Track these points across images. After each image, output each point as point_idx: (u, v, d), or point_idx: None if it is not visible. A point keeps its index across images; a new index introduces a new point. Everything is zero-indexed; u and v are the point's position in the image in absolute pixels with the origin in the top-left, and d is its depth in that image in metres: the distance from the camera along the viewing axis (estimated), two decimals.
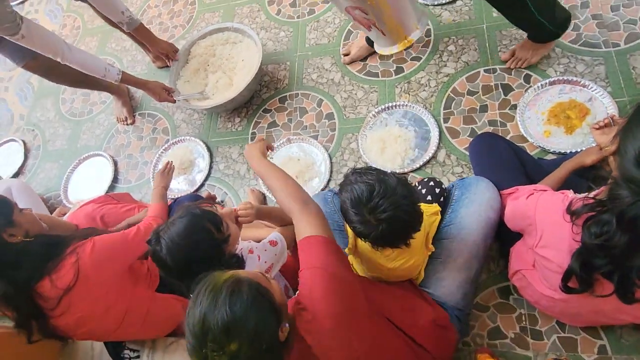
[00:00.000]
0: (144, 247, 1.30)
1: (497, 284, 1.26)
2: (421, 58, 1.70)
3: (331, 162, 1.64)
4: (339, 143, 1.67)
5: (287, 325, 0.75)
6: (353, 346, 0.79)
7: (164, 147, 1.93)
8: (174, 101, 1.83)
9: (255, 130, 1.83)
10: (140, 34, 1.83)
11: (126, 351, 1.55)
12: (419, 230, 0.94)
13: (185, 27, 2.26)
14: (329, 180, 1.60)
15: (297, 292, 0.85)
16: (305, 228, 0.87)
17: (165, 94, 1.80)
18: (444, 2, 1.77)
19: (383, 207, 0.88)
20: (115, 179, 1.97)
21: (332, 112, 1.74)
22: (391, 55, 1.73)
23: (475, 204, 1.15)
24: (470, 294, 1.15)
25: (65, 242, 1.10)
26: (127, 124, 2.10)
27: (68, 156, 2.13)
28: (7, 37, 1.44)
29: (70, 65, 1.57)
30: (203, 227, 0.95)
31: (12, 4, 2.70)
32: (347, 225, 1.03)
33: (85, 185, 2.01)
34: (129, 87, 2.12)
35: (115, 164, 2.01)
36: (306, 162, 1.67)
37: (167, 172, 1.55)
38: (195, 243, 0.92)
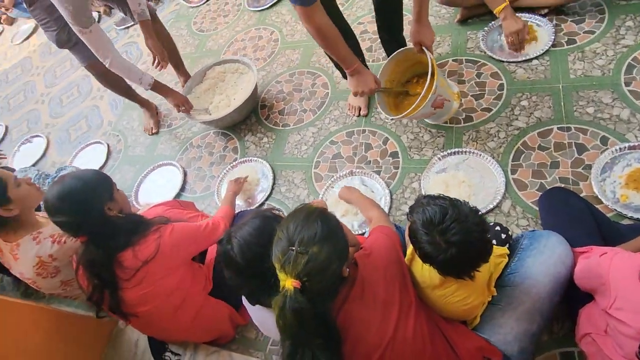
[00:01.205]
0: (210, 242, 1.40)
1: (561, 347, 1.19)
2: (492, 110, 1.73)
3: (391, 198, 1.66)
4: (401, 181, 1.70)
5: (347, 270, 0.91)
6: (391, 291, 0.97)
7: (231, 165, 2.05)
8: (188, 112, 2.10)
9: (319, 159, 1.91)
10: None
11: (168, 353, 1.60)
12: (487, 262, 0.93)
13: (267, 61, 2.46)
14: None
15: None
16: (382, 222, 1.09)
17: (183, 100, 2.07)
18: (519, 60, 1.81)
19: (454, 230, 0.89)
20: (182, 188, 2.11)
21: (397, 151, 1.78)
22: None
23: (545, 256, 1.12)
24: (528, 350, 1.09)
25: (149, 223, 1.23)
26: (152, 134, 2.43)
27: (144, 162, 2.32)
28: (77, 29, 1.69)
29: (113, 70, 1.85)
30: (274, 228, 1.01)
31: (119, 28, 3.10)
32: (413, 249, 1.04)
33: (155, 190, 2.16)
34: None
35: (185, 174, 2.16)
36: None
37: (241, 181, 1.66)
38: (266, 242, 0.97)
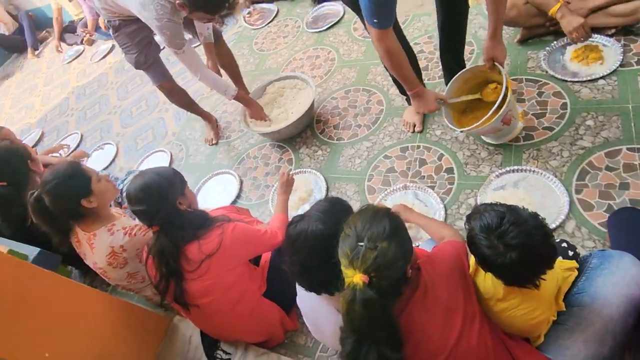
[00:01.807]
0: (266, 248, 1.45)
1: None
2: (554, 129, 1.69)
3: (446, 213, 1.65)
4: (456, 196, 1.69)
5: (410, 271, 0.92)
6: (454, 297, 0.97)
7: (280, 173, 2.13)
8: (266, 119, 2.24)
9: (373, 173, 1.94)
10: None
11: (219, 352, 1.65)
12: (552, 267, 0.90)
13: (323, 78, 2.56)
14: None
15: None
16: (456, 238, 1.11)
17: (262, 114, 2.24)
18: (583, 79, 1.77)
19: (513, 234, 0.88)
20: (238, 196, 2.21)
21: (452, 167, 1.78)
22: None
23: (617, 277, 1.06)
24: None
25: (213, 219, 1.32)
26: (212, 144, 2.57)
27: (203, 170, 2.46)
28: (173, 50, 1.89)
29: (203, 82, 2.05)
30: (347, 207, 1.08)
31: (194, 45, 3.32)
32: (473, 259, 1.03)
33: (212, 196, 2.28)
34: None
35: (241, 182, 2.26)
36: (419, 210, 1.70)
37: (288, 180, 1.69)
38: (342, 214, 1.00)
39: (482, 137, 1.76)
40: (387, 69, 1.73)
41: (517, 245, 0.88)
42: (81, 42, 4.74)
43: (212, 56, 2.31)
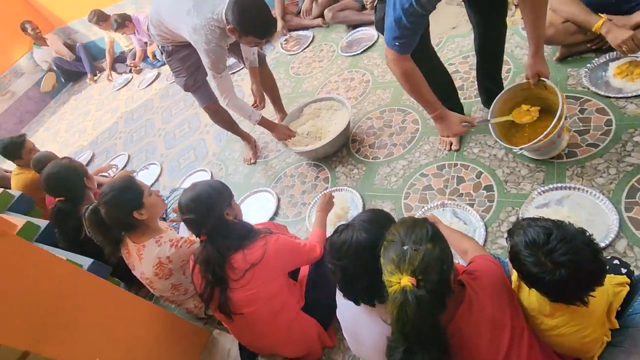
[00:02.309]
0: (306, 261, 1.49)
1: None
2: (599, 145, 1.65)
3: (486, 231, 1.62)
4: (496, 214, 1.66)
5: (454, 280, 0.93)
6: (501, 314, 0.96)
7: (322, 193, 2.17)
8: (294, 136, 2.32)
9: (409, 191, 1.94)
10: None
11: None
12: (602, 284, 0.87)
13: (358, 99, 2.62)
14: None
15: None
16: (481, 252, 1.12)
17: (287, 132, 2.31)
18: (628, 95, 1.72)
19: (562, 250, 0.86)
20: (276, 213, 2.26)
21: (492, 185, 1.76)
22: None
23: None
24: None
25: (257, 231, 1.38)
26: (251, 164, 2.67)
27: (242, 188, 2.54)
28: (212, 73, 2.02)
29: (229, 107, 2.18)
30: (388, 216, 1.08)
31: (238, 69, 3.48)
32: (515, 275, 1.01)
33: (251, 213, 2.34)
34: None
35: (279, 200, 2.32)
36: (458, 228, 1.68)
37: (329, 200, 1.75)
38: (386, 221, 1.04)
39: (525, 152, 1.73)
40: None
41: (566, 263, 0.86)
42: (130, 71, 5.10)
43: (256, 79, 2.44)
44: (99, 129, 4.46)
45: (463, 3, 1.76)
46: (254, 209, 2.37)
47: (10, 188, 2.74)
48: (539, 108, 1.64)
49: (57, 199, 2.06)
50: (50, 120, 5.56)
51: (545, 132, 1.50)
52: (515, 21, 2.36)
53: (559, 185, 1.59)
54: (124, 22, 4.46)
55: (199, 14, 1.82)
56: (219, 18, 1.80)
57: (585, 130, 1.72)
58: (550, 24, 1.90)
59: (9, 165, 3.68)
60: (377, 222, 1.04)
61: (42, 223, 2.14)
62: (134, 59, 5.00)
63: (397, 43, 1.40)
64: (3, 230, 1.09)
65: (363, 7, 3.27)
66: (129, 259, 1.70)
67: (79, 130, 4.77)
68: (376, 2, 1.70)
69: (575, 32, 1.89)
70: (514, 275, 1.06)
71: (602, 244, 1.38)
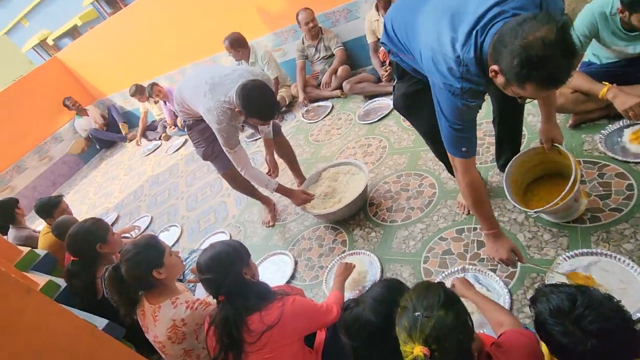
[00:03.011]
0: (324, 323, 1.45)
1: None
2: (623, 210, 1.62)
3: (511, 299, 1.55)
4: (520, 281, 1.59)
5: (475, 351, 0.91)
6: None
7: (340, 256, 2.15)
8: (312, 199, 2.36)
9: (428, 255, 1.91)
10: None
11: None
12: (638, 357, 0.81)
13: (375, 164, 2.69)
14: None
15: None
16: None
17: (304, 197, 2.36)
18: None
19: (590, 318, 0.81)
20: (293, 276, 2.23)
21: None
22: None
23: None
24: None
25: (274, 292, 1.36)
26: (269, 226, 2.69)
27: (259, 251, 2.55)
28: (226, 149, 2.17)
29: (246, 177, 2.26)
30: (401, 286, 1.05)
31: (249, 140, 3.71)
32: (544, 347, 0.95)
33: (267, 277, 2.31)
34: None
35: (296, 263, 2.30)
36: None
37: (351, 266, 1.74)
38: (397, 297, 0.98)
39: (544, 215, 1.71)
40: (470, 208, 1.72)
41: (596, 331, 0.81)
42: (159, 138, 5.44)
43: (269, 150, 2.58)
44: (126, 191, 4.65)
45: None
46: (271, 272, 2.35)
47: (37, 248, 2.83)
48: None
49: (72, 259, 2.12)
50: (81, 183, 5.85)
51: (560, 196, 1.50)
52: None
53: (586, 250, 1.54)
54: (153, 88, 4.88)
55: (213, 96, 2.03)
56: (230, 100, 2.00)
57: (607, 195, 1.70)
58: (560, 94, 1.97)
59: (38, 225, 3.83)
60: (389, 300, 1.01)
61: (63, 282, 2.18)
62: (165, 128, 5.36)
63: (463, 149, 1.37)
64: (29, 286, 1.12)
65: (379, 80, 3.48)
66: (143, 320, 1.68)
67: (106, 193, 4.98)
68: (395, 81, 1.82)
69: (586, 101, 1.96)
70: (544, 348, 1.00)
71: (638, 314, 1.29)
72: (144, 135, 5.67)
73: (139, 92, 5.23)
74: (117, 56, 5.80)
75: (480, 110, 1.33)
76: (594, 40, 1.86)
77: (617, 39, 1.79)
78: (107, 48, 5.78)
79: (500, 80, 1.13)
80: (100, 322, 1.72)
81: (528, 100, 1.23)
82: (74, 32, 14.50)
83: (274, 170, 2.62)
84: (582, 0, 2.49)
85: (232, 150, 2.19)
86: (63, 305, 1.81)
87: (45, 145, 6.19)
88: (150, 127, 5.71)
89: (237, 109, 1.99)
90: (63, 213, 2.95)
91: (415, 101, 1.66)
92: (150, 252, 1.57)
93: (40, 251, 2.66)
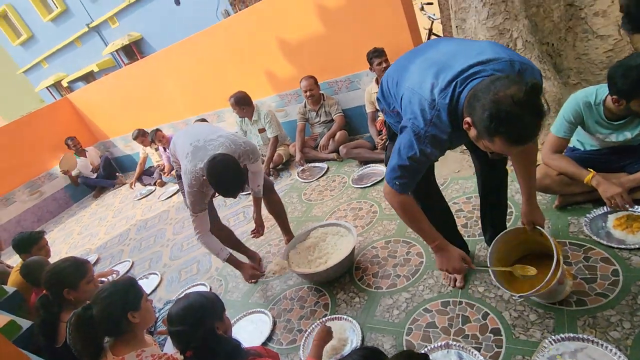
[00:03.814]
0: None
1: None
2: (608, 295, 1.60)
3: None
4: None
5: None
6: None
7: (320, 320, 2.07)
8: (261, 275, 2.51)
9: (412, 326, 1.84)
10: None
11: None
12: None
13: (365, 228, 2.69)
14: None
15: None
16: None
17: (252, 272, 2.50)
18: (631, 247, 1.74)
19: None
20: (269, 338, 2.12)
21: (499, 328, 1.66)
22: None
23: None
24: None
25: (246, 352, 1.29)
26: (251, 282, 2.63)
27: (238, 307, 2.45)
28: (190, 212, 2.30)
29: (200, 242, 2.38)
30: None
31: (242, 194, 3.73)
32: None
33: (243, 336, 2.19)
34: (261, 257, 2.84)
35: (274, 324, 2.20)
36: None
37: (328, 332, 1.65)
38: None
39: (531, 297, 1.68)
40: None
41: None
42: (154, 184, 5.46)
43: (257, 208, 2.62)
44: (111, 234, 4.56)
45: (466, 150, 1.95)
46: (248, 331, 2.23)
47: (6, 284, 2.70)
48: (534, 270, 1.64)
49: (43, 292, 2.01)
50: (67, 221, 5.75)
51: (544, 282, 1.48)
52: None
53: (572, 335, 1.49)
54: (156, 133, 4.99)
55: (191, 160, 2.14)
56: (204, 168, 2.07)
57: (592, 279, 1.69)
58: (546, 175, 2.04)
59: (14, 261, 3.69)
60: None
61: (26, 323, 2.05)
62: (160, 175, 5.41)
63: (397, 182, 1.45)
64: None
65: (374, 147, 3.60)
66: None
67: (91, 233, 4.88)
68: (387, 142, 1.90)
69: (571, 184, 2.02)
70: None
71: None
72: (139, 179, 5.69)
73: (141, 135, 5.38)
74: (125, 102, 6.02)
75: (469, 183, 1.38)
76: (579, 127, 1.97)
77: (601, 128, 1.90)
78: (116, 94, 6.02)
79: (472, 133, 1.19)
80: None
81: (508, 163, 1.28)
82: (88, 77, 15.17)
83: (258, 229, 2.64)
84: (568, 91, 2.69)
85: (194, 215, 2.28)
86: (21, 350, 1.70)
87: (38, 180, 6.18)
88: (147, 172, 5.76)
89: (203, 179, 2.07)
90: (41, 250, 2.87)
91: None
92: (129, 293, 1.50)
93: (9, 288, 2.54)
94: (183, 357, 1.35)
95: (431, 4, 5.48)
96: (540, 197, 2.24)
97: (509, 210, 2.25)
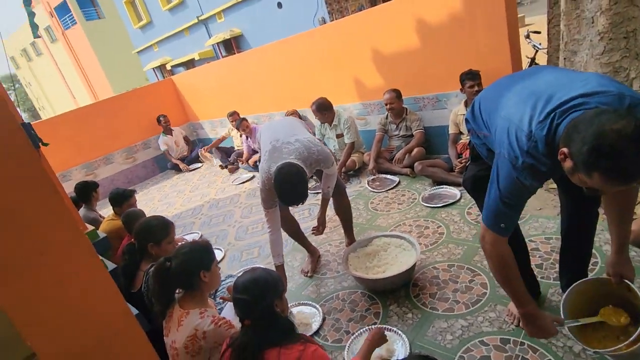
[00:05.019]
0: None
1: None
2: None
3: None
4: None
5: None
6: None
7: (369, 326, 2.07)
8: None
9: (464, 355, 1.77)
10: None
11: None
12: None
13: (428, 247, 2.63)
14: None
15: None
16: None
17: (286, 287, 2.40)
18: None
19: None
20: (317, 332, 2.17)
21: None
22: None
23: None
24: None
25: (299, 334, 1.34)
26: (307, 276, 2.71)
27: (291, 297, 2.53)
28: (263, 206, 2.39)
29: (268, 236, 2.44)
30: None
31: (311, 192, 3.74)
32: None
33: None
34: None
35: (323, 320, 2.24)
36: None
37: (383, 336, 1.64)
38: None
39: (606, 355, 1.53)
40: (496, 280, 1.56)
41: None
42: (226, 167, 5.83)
43: (322, 208, 2.67)
44: (186, 206, 4.95)
45: (553, 189, 1.82)
46: (296, 319, 2.30)
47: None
48: (627, 316, 1.50)
49: (131, 240, 2.26)
50: (151, 188, 6.35)
51: (628, 341, 1.34)
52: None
53: None
54: (242, 122, 5.32)
55: (267, 161, 2.27)
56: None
57: None
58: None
59: (105, 212, 4.17)
60: None
61: (110, 265, 2.32)
62: (237, 160, 5.76)
63: (502, 225, 1.36)
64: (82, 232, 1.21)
65: (451, 170, 3.51)
66: (168, 322, 1.72)
67: (169, 202, 5.33)
68: (469, 162, 1.86)
69: None
70: None
71: None
72: (211, 151, 6.20)
73: (236, 115, 5.70)
74: (218, 90, 6.51)
75: (551, 223, 1.30)
76: None
77: None
78: (212, 81, 6.53)
79: (568, 164, 1.11)
80: (132, 311, 1.78)
81: (602, 198, 1.17)
82: (189, 64, 16.62)
83: (319, 228, 2.68)
84: None
85: (265, 210, 2.38)
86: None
87: (135, 147, 6.90)
88: (228, 151, 6.17)
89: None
90: (131, 207, 3.21)
91: (483, 184, 1.65)
92: (204, 253, 1.66)
93: (101, 233, 2.88)
94: (241, 324, 1.44)
95: (539, 32, 5.21)
96: (634, 252, 2.03)
97: (593, 260, 2.07)
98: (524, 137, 1.22)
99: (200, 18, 15.61)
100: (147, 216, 2.47)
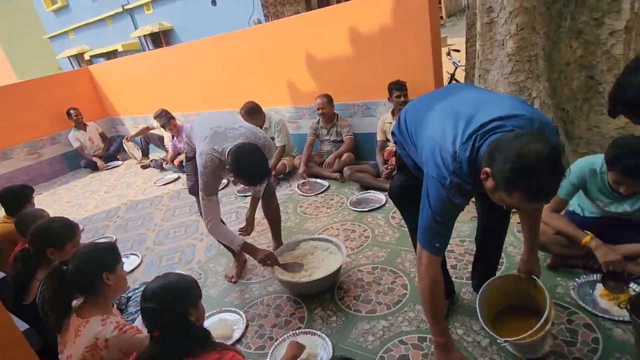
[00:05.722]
0: None
1: None
2: None
3: None
4: None
5: None
6: None
7: (293, 331, 2.03)
8: (276, 263, 2.30)
9: (384, 355, 1.80)
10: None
11: None
12: None
13: (354, 250, 2.68)
14: None
15: None
16: None
17: (270, 257, 2.27)
18: (615, 318, 1.74)
19: None
20: (239, 340, 2.07)
21: None
22: None
23: None
24: None
25: (214, 342, 1.25)
26: (231, 282, 2.60)
27: (213, 303, 2.40)
28: (202, 194, 2.21)
29: (210, 231, 2.28)
30: None
31: (239, 194, 3.68)
32: None
33: (213, 333, 2.14)
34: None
35: (247, 327, 2.15)
36: None
37: (302, 348, 1.63)
38: None
39: (508, 347, 1.66)
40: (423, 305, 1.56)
41: None
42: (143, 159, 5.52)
43: (252, 208, 2.62)
44: (100, 208, 4.52)
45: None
46: (217, 329, 2.18)
47: None
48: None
49: (25, 246, 1.98)
50: (58, 188, 5.70)
51: (532, 330, 1.48)
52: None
53: None
54: (170, 121, 5.01)
55: (208, 143, 2.14)
56: (223, 152, 2.08)
57: (572, 342, 1.68)
58: (542, 232, 2.05)
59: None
60: None
61: None
62: (162, 162, 5.41)
63: (437, 245, 1.40)
64: None
65: (378, 175, 3.63)
66: (64, 336, 1.52)
67: (79, 204, 4.83)
68: (394, 171, 1.91)
69: (566, 246, 2.03)
70: None
71: None
72: (135, 140, 5.90)
73: (164, 115, 5.14)
74: (142, 85, 6.08)
75: (465, 227, 1.38)
76: (580, 192, 2.00)
77: (602, 196, 1.93)
78: (137, 75, 6.08)
79: (489, 183, 1.18)
80: (22, 326, 1.55)
81: (513, 210, 1.26)
82: (111, 55, 15.37)
83: (247, 228, 2.61)
84: (575, 159, 2.74)
85: (206, 197, 2.21)
86: None
87: (40, 142, 6.16)
88: (155, 142, 5.87)
89: (227, 166, 2.06)
90: (26, 208, 2.83)
91: (409, 194, 1.72)
92: (108, 253, 1.51)
93: None
94: (150, 336, 1.31)
95: (458, 50, 5.65)
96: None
97: (500, 261, 2.25)
98: (449, 157, 1.29)
99: (125, 7, 14.58)
100: (46, 218, 2.18)
